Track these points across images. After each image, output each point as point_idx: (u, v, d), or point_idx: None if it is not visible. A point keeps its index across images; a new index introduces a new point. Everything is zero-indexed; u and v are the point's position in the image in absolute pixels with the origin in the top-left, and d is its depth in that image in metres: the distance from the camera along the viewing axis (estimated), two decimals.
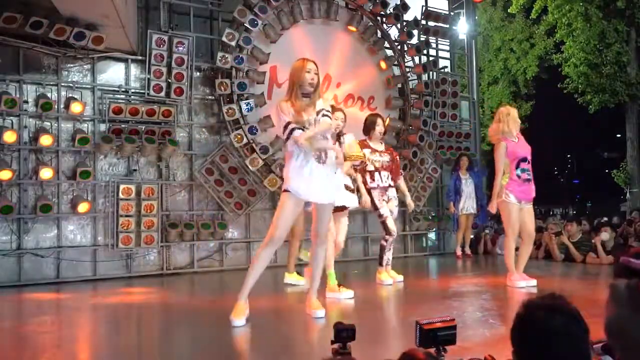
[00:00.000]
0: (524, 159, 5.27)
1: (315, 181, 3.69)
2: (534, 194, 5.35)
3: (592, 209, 31.86)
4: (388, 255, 5.68)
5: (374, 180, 5.55)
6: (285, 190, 3.73)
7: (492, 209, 5.38)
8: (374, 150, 5.60)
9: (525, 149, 5.34)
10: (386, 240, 5.62)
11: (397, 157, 6.09)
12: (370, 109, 8.37)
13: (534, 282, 5.20)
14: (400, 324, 4.05)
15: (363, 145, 5.50)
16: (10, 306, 5.23)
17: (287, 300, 5.12)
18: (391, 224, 5.59)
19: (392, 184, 5.74)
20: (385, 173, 5.65)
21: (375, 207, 5.57)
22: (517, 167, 5.23)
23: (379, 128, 5.63)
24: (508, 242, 5.34)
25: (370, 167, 5.56)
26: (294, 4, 7.66)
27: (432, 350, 1.76)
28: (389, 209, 5.65)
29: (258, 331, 3.70)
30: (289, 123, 3.65)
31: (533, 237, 5.47)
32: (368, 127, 5.65)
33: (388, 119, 8.44)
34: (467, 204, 8.43)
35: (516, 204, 5.21)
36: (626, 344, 1.07)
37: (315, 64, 3.83)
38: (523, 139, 5.44)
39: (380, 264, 5.68)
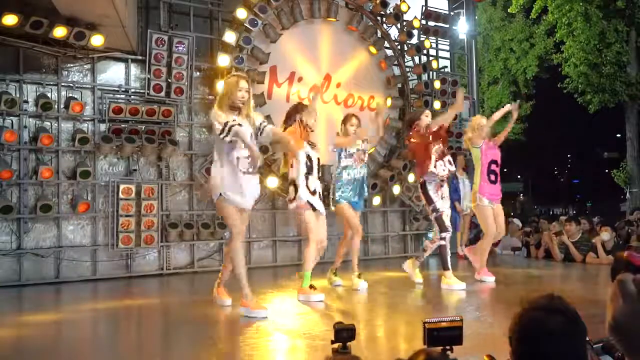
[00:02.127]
0: (494, 162, 5.77)
1: (245, 188, 4.06)
2: (501, 194, 5.88)
3: (592, 209, 31.88)
4: (424, 255, 5.61)
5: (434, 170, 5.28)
6: (220, 195, 4.03)
7: None
8: None
9: (495, 152, 5.82)
10: (444, 239, 5.28)
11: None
12: (370, 109, 8.38)
13: (492, 278, 5.67)
14: (401, 324, 4.05)
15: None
16: (10, 306, 5.23)
17: (286, 300, 5.11)
18: (447, 220, 5.29)
19: (448, 173, 5.39)
20: (441, 162, 5.30)
21: (429, 201, 5.30)
22: (488, 169, 5.72)
23: (427, 118, 5.44)
24: (485, 243, 5.79)
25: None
26: (294, 4, 7.66)
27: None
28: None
29: (258, 331, 3.71)
30: (227, 122, 3.91)
31: (503, 232, 6.06)
32: (413, 119, 5.56)
33: (388, 119, 8.45)
34: (463, 204, 8.42)
35: (490, 206, 5.66)
36: (632, 340, 1.06)
37: (248, 81, 4.18)
38: (495, 143, 5.87)
39: (446, 268, 5.35)
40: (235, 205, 4.06)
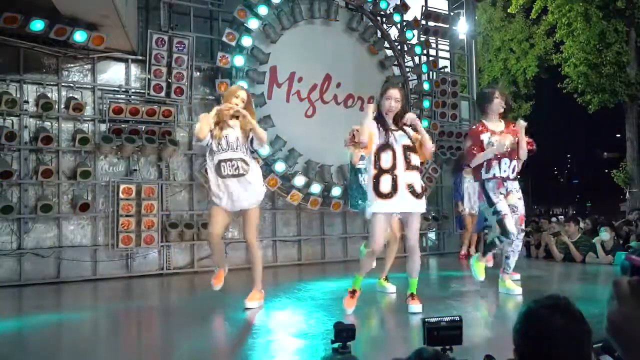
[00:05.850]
0: None
1: (228, 191, 4.28)
2: None
3: (592, 209, 31.91)
4: (511, 261, 4.88)
5: (489, 169, 4.66)
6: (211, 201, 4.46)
7: None
8: (493, 132, 4.69)
9: None
10: (501, 242, 4.63)
11: (518, 132, 4.77)
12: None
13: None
14: (401, 324, 4.05)
15: (480, 129, 4.73)
16: (10, 306, 5.23)
17: (286, 299, 5.11)
18: (510, 224, 4.52)
19: (512, 174, 4.72)
20: (507, 160, 4.67)
21: (490, 203, 4.63)
22: None
23: (498, 101, 4.70)
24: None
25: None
26: (294, 4, 7.66)
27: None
28: (508, 205, 4.65)
29: (258, 331, 3.71)
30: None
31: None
32: (482, 104, 4.81)
33: None
34: (469, 204, 8.35)
35: None
36: (628, 342, 1.07)
37: (248, 92, 4.37)
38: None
39: (504, 271, 4.92)
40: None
